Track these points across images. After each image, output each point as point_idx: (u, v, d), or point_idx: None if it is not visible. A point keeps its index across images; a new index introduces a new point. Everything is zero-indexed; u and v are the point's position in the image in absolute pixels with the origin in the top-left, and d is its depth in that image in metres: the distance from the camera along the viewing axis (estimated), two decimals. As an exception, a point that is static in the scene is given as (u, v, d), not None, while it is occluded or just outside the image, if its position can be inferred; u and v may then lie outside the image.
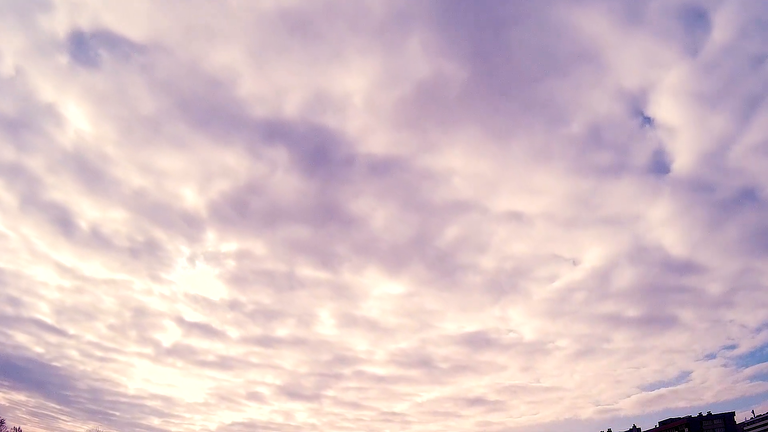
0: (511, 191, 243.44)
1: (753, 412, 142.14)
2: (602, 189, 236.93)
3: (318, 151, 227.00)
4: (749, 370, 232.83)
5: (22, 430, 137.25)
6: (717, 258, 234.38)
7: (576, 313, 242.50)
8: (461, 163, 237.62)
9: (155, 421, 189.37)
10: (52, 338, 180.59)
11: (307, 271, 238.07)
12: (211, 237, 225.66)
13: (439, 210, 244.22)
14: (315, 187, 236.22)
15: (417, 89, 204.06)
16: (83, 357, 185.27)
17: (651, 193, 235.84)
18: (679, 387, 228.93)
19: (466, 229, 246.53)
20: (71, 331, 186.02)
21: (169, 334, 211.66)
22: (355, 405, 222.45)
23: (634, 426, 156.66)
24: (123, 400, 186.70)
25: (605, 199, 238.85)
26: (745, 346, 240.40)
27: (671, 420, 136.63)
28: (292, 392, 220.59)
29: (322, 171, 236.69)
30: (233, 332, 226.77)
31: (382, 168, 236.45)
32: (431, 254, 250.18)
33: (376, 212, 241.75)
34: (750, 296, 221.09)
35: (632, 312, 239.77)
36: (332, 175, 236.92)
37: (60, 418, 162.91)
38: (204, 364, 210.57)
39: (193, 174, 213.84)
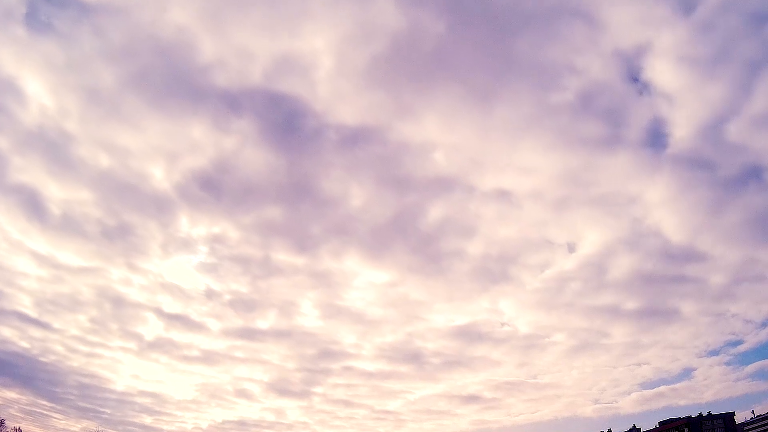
0: (496, 166, 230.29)
1: (753, 412, 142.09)
2: (595, 164, 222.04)
3: (286, 121, 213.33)
4: (752, 367, 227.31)
5: (22, 430, 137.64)
6: (719, 245, 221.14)
7: (572, 305, 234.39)
8: (440, 132, 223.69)
9: (147, 420, 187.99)
10: (36, 332, 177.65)
11: (283, 256, 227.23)
12: (182, 221, 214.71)
13: (420, 187, 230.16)
14: (285, 162, 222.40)
15: (390, 45, 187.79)
16: (69, 352, 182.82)
17: (648, 170, 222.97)
18: (680, 385, 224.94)
19: (451, 209, 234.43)
20: (55, 324, 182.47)
21: (151, 327, 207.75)
22: (346, 403, 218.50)
23: (634, 426, 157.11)
24: (112, 396, 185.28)
25: (598, 176, 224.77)
26: (749, 342, 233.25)
27: (671, 420, 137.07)
28: (280, 389, 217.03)
29: (292, 144, 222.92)
30: (214, 324, 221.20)
31: (355, 139, 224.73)
32: (414, 238, 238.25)
33: (351, 190, 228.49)
34: (754, 288, 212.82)
35: (631, 304, 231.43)
36: (302, 148, 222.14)
37: (52, 416, 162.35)
38: (189, 359, 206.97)
39: (159, 151, 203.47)
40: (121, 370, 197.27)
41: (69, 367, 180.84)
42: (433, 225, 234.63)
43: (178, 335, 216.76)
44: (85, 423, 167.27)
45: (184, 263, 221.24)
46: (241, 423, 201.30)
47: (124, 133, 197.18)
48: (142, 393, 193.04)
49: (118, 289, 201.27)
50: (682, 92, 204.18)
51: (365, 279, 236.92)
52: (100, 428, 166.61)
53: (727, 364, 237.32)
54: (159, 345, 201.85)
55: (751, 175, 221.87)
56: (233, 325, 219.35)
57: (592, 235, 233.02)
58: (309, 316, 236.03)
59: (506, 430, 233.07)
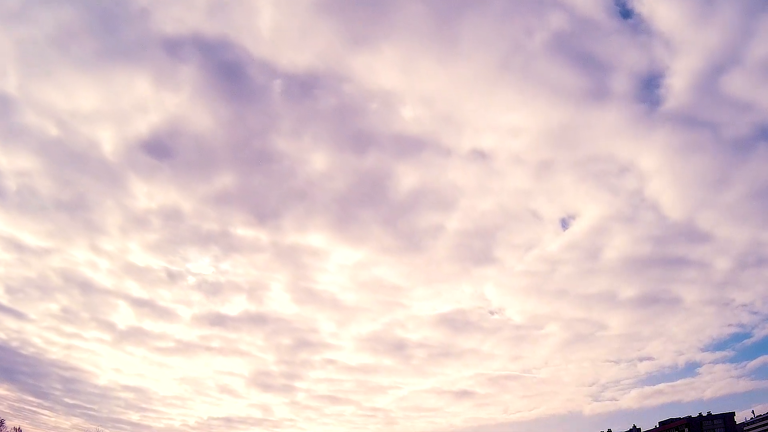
0: (470, 123, 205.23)
1: (753, 412, 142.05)
2: (582, 122, 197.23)
3: (230, 70, 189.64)
4: (757, 362, 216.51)
5: (22, 429, 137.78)
6: (724, 223, 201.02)
7: (565, 292, 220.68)
8: (403, 78, 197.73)
9: (134, 417, 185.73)
10: (11, 323, 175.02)
11: (243, 230, 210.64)
12: (136, 194, 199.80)
13: (386, 147, 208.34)
14: (234, 120, 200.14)
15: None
16: (47, 344, 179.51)
17: (641, 130, 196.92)
18: (683, 381, 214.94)
19: (424, 175, 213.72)
20: (31, 314, 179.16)
21: (122, 315, 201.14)
22: (332, 399, 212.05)
23: (634, 426, 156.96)
24: (96, 392, 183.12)
25: (585, 135, 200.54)
26: (756, 336, 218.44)
27: (671, 420, 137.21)
28: (262, 383, 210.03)
29: (239, 98, 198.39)
30: (183, 311, 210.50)
31: (306, 89, 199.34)
32: (385, 209, 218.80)
33: (308, 151, 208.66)
34: (763, 275, 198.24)
35: (629, 291, 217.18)
36: (250, 103, 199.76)
37: (41, 413, 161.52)
38: (165, 350, 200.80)
39: (104, 114, 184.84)
40: (101, 363, 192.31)
41: (50, 360, 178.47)
42: (405, 194, 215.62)
43: (151, 324, 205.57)
44: (75, 420, 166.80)
45: (142, 242, 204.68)
46: (228, 420, 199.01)
47: (65, 93, 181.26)
48: (125, 388, 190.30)
49: (85, 273, 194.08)
50: (678, 30, 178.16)
51: (335, 258, 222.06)
52: (100, 428, 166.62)
53: (732, 360, 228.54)
54: (133, 335, 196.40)
55: (761, 135, 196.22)
56: (202, 311, 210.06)
57: (581, 207, 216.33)
58: (281, 301, 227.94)
59: (502, 427, 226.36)
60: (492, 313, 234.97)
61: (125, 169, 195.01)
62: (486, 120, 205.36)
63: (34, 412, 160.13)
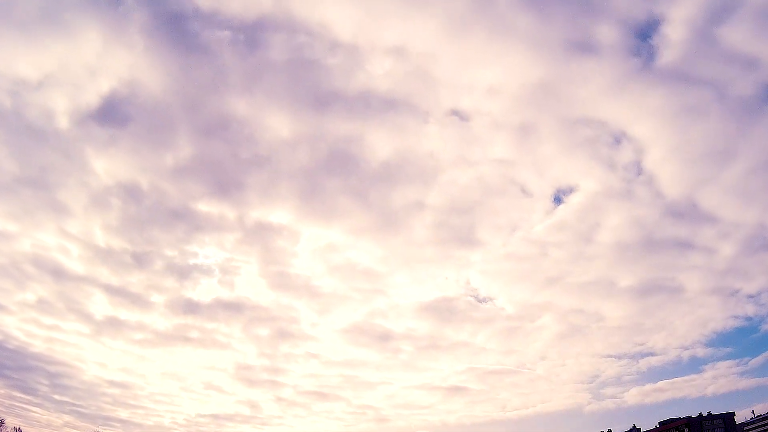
0: (446, 78, 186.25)
1: (753, 412, 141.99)
2: (566, 78, 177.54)
3: (176, 22, 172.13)
4: (761, 358, 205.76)
5: (22, 429, 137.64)
6: (728, 202, 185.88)
7: (558, 280, 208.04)
8: (364, 19, 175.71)
9: (123, 414, 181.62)
10: None
11: (206, 206, 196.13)
12: (95, 169, 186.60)
13: (354, 108, 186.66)
14: (183, 79, 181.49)
15: None
16: (28, 337, 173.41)
17: (635, 90, 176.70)
18: (684, 378, 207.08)
19: (398, 143, 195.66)
20: (11, 306, 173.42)
21: (98, 305, 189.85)
22: (321, 395, 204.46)
23: (634, 426, 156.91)
24: (83, 387, 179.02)
25: (571, 93, 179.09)
26: (763, 330, 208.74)
27: (671, 420, 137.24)
28: (247, 378, 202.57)
29: (186, 53, 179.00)
30: (155, 297, 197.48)
31: (256, 40, 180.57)
32: (356, 184, 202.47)
33: (264, 112, 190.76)
34: None
35: (626, 279, 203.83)
36: (198, 58, 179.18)
37: (32, 410, 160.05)
38: (144, 342, 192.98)
39: (55, 81, 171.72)
40: (83, 356, 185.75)
41: (33, 354, 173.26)
42: (378, 165, 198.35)
43: (126, 313, 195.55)
44: (67, 418, 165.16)
45: (104, 223, 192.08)
46: (216, 417, 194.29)
47: (11, 61, 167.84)
48: (111, 383, 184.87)
49: (57, 259, 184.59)
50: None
51: (305, 239, 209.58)
52: (100, 429, 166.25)
53: (736, 356, 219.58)
54: (111, 325, 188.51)
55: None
56: (173, 297, 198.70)
57: (572, 181, 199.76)
58: (254, 286, 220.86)
59: (499, 425, 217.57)
60: (480, 301, 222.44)
61: (81, 141, 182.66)
62: (463, 77, 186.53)
63: (26, 409, 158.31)
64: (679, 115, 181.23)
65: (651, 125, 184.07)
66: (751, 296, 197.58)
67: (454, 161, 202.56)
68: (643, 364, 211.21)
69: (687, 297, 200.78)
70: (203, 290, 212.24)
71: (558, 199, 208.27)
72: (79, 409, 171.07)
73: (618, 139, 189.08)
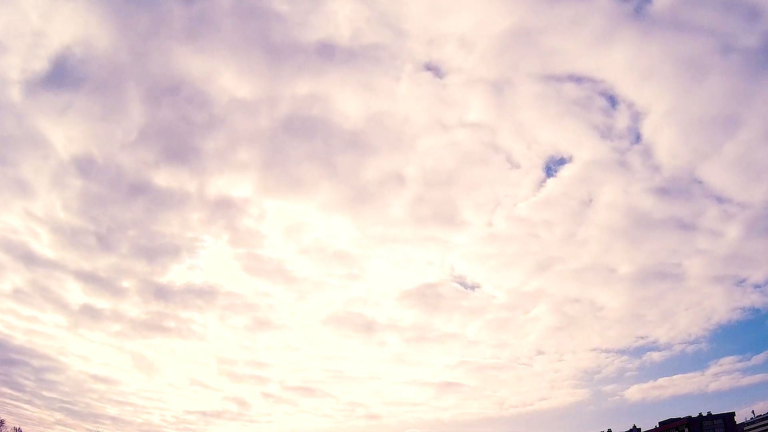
0: (416, 25, 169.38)
1: (753, 412, 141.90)
2: (544, 23, 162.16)
3: None
4: (766, 354, 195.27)
5: (22, 430, 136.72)
6: (733, 176, 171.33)
7: (550, 265, 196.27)
8: None
9: (111, 411, 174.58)
10: None
11: (162, 179, 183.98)
12: (51, 142, 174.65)
13: (313, 61, 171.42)
14: (124, 28, 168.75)
15: None
16: (10, 330, 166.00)
17: (629, 44, 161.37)
18: (686, 375, 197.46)
19: (368, 103, 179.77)
20: None
21: (72, 292, 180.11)
22: (308, 391, 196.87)
23: (634, 426, 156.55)
24: (69, 383, 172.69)
25: (551, 43, 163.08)
26: None
27: (671, 420, 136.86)
28: (230, 373, 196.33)
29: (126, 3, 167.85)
30: (126, 283, 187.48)
31: None
32: (322, 152, 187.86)
33: (212, 66, 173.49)
34: None
35: (626, 266, 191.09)
36: (138, 6, 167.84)
37: (23, 408, 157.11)
38: (122, 335, 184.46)
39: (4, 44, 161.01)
40: (65, 349, 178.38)
41: (15, 347, 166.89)
42: (348, 131, 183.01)
43: (101, 302, 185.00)
44: (58, 416, 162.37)
45: (65, 202, 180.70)
46: (203, 414, 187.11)
47: None
48: (96, 378, 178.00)
49: (27, 243, 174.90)
50: None
51: (272, 216, 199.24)
52: (99, 429, 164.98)
53: (740, 351, 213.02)
54: (87, 314, 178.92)
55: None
56: (143, 282, 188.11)
57: (561, 148, 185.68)
58: (224, 270, 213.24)
59: (496, 422, 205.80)
60: (467, 288, 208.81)
61: (36, 111, 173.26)
62: (435, 24, 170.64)
63: (17, 407, 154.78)
64: (677, 72, 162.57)
65: (646, 84, 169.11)
66: (757, 286, 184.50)
67: (430, 126, 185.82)
68: (645, 360, 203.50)
69: (690, 286, 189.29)
70: (173, 275, 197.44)
71: (548, 171, 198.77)
72: (68, 406, 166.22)
73: (610, 100, 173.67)
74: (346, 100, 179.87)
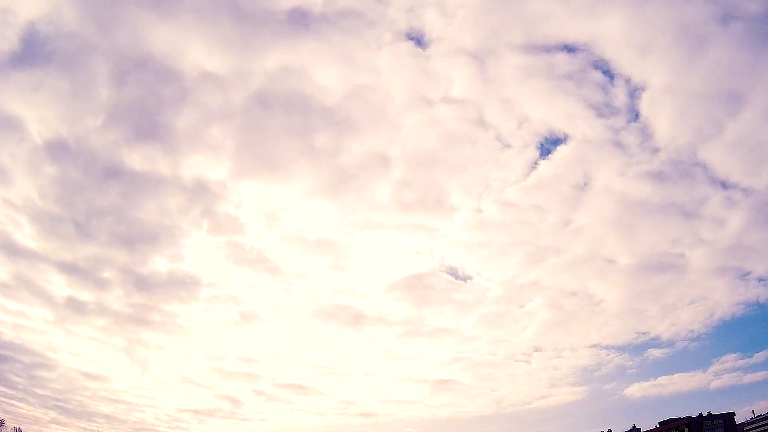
0: None
1: (753, 412, 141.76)
2: None
3: None
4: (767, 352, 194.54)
5: (22, 430, 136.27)
6: (738, 157, 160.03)
7: (545, 255, 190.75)
8: None
9: (105, 409, 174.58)
10: None
11: (137, 161, 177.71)
12: (23, 124, 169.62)
13: (285, 28, 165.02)
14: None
15: None
16: None
17: (622, 8, 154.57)
18: (688, 373, 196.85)
19: (347, 77, 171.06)
20: None
21: (56, 285, 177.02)
22: (300, 388, 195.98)
23: (634, 426, 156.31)
24: (61, 380, 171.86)
25: (537, 6, 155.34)
26: None
27: (671, 420, 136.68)
28: (221, 370, 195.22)
29: None
30: (108, 273, 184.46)
31: None
32: (300, 130, 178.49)
33: (179, 35, 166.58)
34: None
35: (626, 258, 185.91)
36: None
37: (17, 406, 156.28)
38: (108, 330, 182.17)
39: None
40: (54, 345, 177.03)
41: (4, 343, 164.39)
42: (327, 107, 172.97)
43: (84, 294, 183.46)
44: (53, 414, 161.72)
45: (40, 189, 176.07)
46: (196, 412, 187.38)
47: None
48: (87, 375, 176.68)
49: (10, 234, 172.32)
50: None
51: (250, 201, 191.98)
52: (99, 429, 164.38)
53: (743, 348, 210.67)
54: (72, 307, 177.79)
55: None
56: (124, 273, 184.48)
57: (553, 125, 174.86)
58: (205, 260, 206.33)
59: (493, 420, 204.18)
60: (458, 278, 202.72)
61: (6, 91, 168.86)
62: None
63: (11, 404, 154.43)
64: (674, 42, 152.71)
65: (642, 55, 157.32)
66: (761, 279, 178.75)
67: (413, 102, 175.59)
68: (646, 357, 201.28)
69: (692, 279, 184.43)
70: (154, 265, 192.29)
71: (541, 151, 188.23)
72: (62, 404, 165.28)
73: (605, 73, 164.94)
74: (324, 73, 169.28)
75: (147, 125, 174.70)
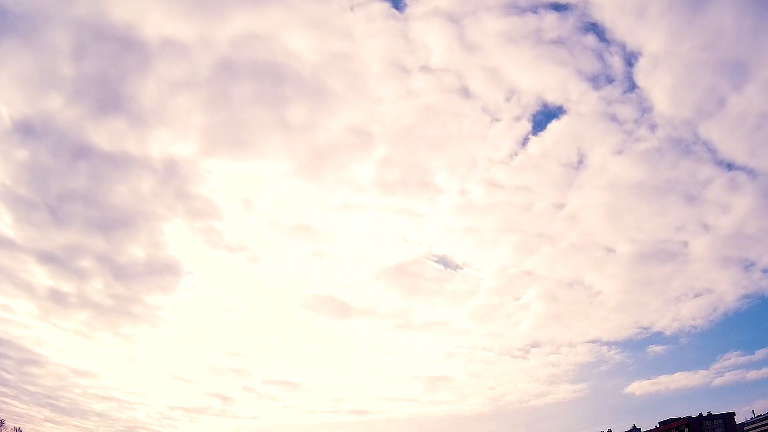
0: None
1: (753, 412, 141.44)
2: None
3: None
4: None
5: (22, 430, 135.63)
6: (743, 137, 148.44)
7: (539, 243, 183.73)
8: None
9: (98, 407, 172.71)
10: None
11: (104, 139, 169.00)
12: None
13: None
14: None
15: None
16: None
17: None
18: (690, 372, 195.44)
19: (320, 43, 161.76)
20: None
21: (37, 276, 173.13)
22: (291, 385, 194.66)
23: (634, 426, 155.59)
24: (51, 377, 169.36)
25: None
26: None
27: (671, 420, 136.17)
28: (210, 366, 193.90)
29: None
30: (85, 262, 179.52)
31: None
32: (269, 97, 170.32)
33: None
34: None
35: (625, 246, 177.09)
36: None
37: (11, 403, 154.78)
38: (91, 325, 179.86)
39: None
40: (41, 341, 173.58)
41: None
42: (301, 70, 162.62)
43: (64, 285, 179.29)
44: (46, 412, 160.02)
45: (9, 170, 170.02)
46: (186, 410, 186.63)
47: None
48: (76, 372, 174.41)
49: None
50: None
51: (221, 181, 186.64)
52: (93, 428, 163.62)
53: (746, 345, 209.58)
54: (54, 300, 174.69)
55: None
56: (101, 262, 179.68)
57: (545, 95, 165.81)
58: (185, 247, 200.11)
59: (491, 419, 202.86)
60: (447, 267, 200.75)
61: None
62: None
63: (5, 402, 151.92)
64: (671, 3, 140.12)
65: (636, 18, 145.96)
66: (766, 271, 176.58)
67: (390, 71, 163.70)
68: (647, 354, 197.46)
69: (695, 271, 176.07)
70: (131, 253, 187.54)
71: (534, 124, 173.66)
72: (54, 402, 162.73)
73: (597, 37, 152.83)
74: (294, 38, 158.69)
75: (111, 99, 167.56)
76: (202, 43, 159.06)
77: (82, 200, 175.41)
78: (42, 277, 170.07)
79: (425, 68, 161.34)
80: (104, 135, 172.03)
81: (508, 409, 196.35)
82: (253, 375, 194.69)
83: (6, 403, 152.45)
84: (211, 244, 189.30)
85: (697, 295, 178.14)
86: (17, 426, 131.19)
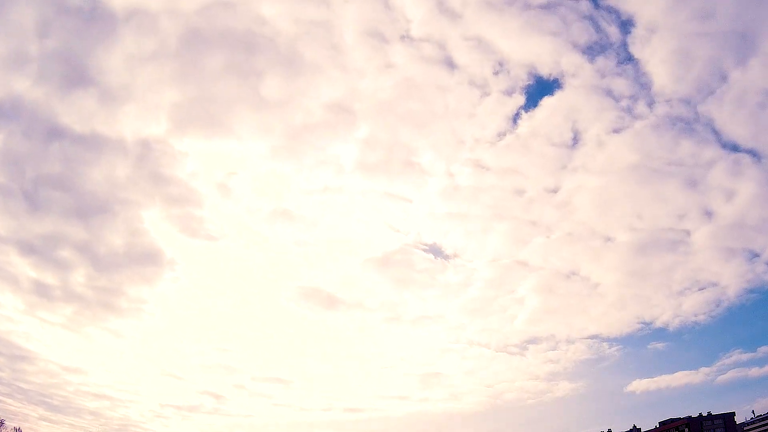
0: None
1: (753, 412, 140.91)
2: None
3: None
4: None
5: (22, 430, 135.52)
6: (746, 119, 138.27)
7: (533, 231, 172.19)
8: None
9: (91, 405, 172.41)
10: None
11: (75, 119, 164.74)
12: None
13: None
14: None
15: None
16: None
17: None
18: (691, 371, 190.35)
19: (296, 11, 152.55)
20: None
21: (19, 268, 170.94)
22: (282, 382, 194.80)
23: (634, 426, 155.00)
24: (42, 374, 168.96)
25: None
26: None
27: (671, 420, 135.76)
28: (200, 363, 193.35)
29: None
30: (65, 252, 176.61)
31: None
32: (242, 67, 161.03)
33: None
34: None
35: (624, 234, 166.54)
36: None
37: (6, 402, 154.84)
38: (77, 321, 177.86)
39: None
40: (31, 336, 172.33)
41: None
42: (276, 38, 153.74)
43: (47, 276, 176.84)
44: (41, 411, 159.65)
45: None
46: (179, 408, 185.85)
47: None
48: (67, 369, 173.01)
49: None
50: None
51: (196, 163, 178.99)
52: (87, 426, 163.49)
53: (748, 342, 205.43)
54: (39, 293, 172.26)
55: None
56: (81, 252, 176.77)
57: (529, 62, 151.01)
58: (165, 237, 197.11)
59: (487, 417, 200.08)
60: (438, 256, 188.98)
61: None
62: None
63: (1, 401, 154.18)
64: None
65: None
66: None
67: (370, 40, 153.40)
68: (648, 350, 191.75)
69: (697, 263, 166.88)
70: (110, 242, 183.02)
71: (527, 98, 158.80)
72: (47, 399, 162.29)
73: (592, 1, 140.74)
74: (267, 4, 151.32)
75: (78, 75, 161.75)
76: (170, 12, 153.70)
77: (58, 186, 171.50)
78: (25, 268, 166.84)
79: (405, 38, 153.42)
80: (74, 115, 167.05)
81: (505, 407, 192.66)
82: (243, 371, 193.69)
83: (1, 401, 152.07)
84: (190, 232, 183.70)
85: (701, 289, 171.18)
86: (16, 426, 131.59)
